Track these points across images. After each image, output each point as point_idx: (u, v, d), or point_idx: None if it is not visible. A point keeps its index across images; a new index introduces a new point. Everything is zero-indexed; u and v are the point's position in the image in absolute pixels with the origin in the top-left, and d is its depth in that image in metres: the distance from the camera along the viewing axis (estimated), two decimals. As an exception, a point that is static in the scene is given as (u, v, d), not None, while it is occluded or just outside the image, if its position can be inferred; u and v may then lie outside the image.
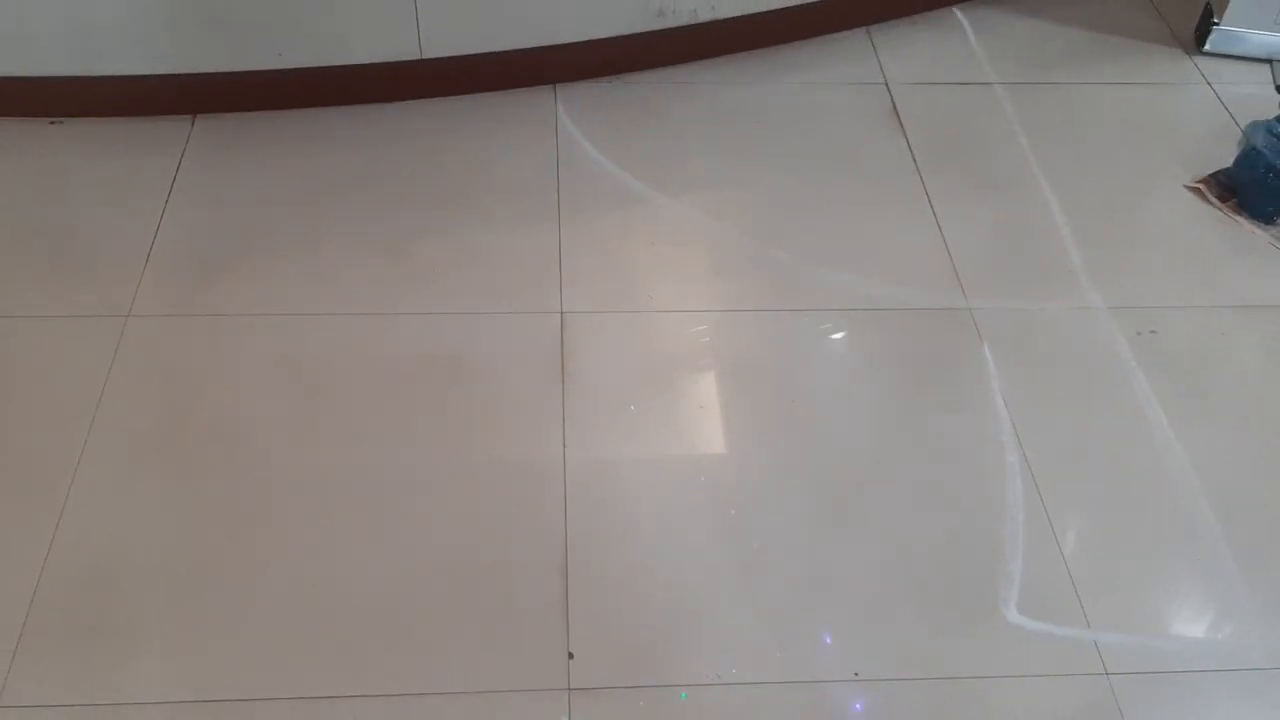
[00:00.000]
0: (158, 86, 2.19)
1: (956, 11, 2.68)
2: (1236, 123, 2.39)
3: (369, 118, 2.27)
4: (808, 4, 2.48)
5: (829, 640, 1.51)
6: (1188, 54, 2.60)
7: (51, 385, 1.75)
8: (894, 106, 2.39)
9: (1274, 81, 2.52)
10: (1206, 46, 2.58)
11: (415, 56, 2.25)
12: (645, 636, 1.51)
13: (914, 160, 2.25)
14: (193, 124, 2.23)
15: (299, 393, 1.77)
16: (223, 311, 1.88)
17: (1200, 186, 2.23)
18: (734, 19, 2.43)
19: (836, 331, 1.91)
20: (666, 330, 1.90)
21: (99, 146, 2.17)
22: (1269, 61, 2.57)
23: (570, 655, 1.48)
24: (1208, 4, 2.59)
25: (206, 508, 1.62)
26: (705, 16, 2.40)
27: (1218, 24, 2.56)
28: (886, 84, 2.44)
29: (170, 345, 1.82)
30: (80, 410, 1.72)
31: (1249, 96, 2.47)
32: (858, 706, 1.45)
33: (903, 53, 2.54)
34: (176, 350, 1.82)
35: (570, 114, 2.31)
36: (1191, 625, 1.56)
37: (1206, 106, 2.47)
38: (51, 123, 2.20)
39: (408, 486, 1.66)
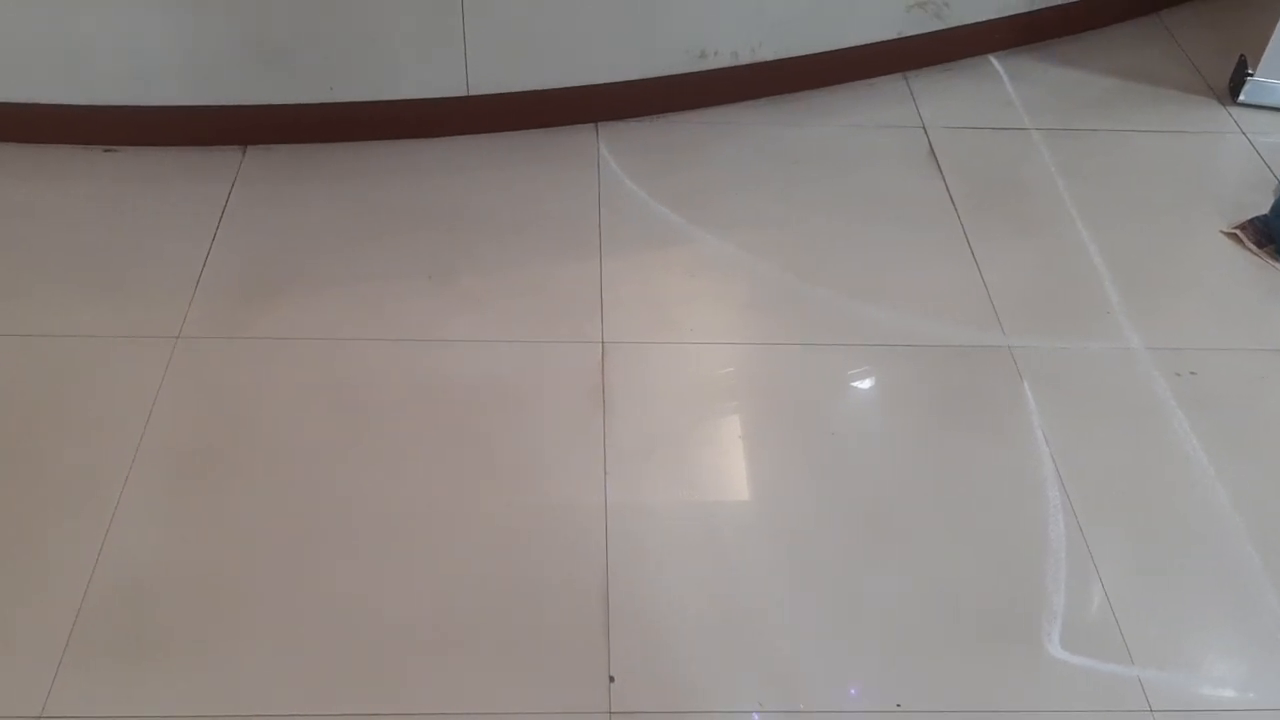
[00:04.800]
0: (211, 117, 2.24)
1: (992, 59, 2.71)
2: (1272, 171, 2.41)
3: (416, 152, 2.31)
4: (847, 49, 2.52)
5: (871, 671, 1.51)
6: (1222, 104, 2.63)
7: (101, 404, 1.78)
8: (931, 149, 2.41)
9: (1310, 132, 2.53)
10: (1241, 97, 2.61)
11: (462, 93, 2.30)
12: (687, 663, 1.51)
13: (952, 201, 2.27)
14: (244, 154, 2.27)
15: (342, 417, 1.79)
16: (270, 335, 1.90)
17: (1237, 232, 2.24)
18: (774, 61, 2.47)
19: (876, 367, 1.93)
20: (706, 362, 1.92)
21: (152, 175, 2.21)
22: (1304, 112, 2.59)
23: (611, 679, 1.48)
24: (1242, 56, 2.61)
25: (250, 528, 1.63)
26: (746, 59, 2.45)
27: (1252, 75, 2.58)
28: (924, 128, 2.48)
29: (218, 368, 1.85)
30: (129, 429, 1.74)
31: (1285, 146, 2.50)
32: (900, 737, 1.44)
33: (940, 98, 2.57)
34: (224, 373, 1.84)
35: (612, 151, 2.35)
36: (1236, 664, 1.54)
37: (1241, 155, 2.48)
38: (106, 150, 2.25)
39: (449, 513, 1.67)
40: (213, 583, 1.56)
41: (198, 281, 1.99)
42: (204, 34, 2.12)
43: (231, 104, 2.23)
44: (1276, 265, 2.17)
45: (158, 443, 1.73)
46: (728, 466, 1.76)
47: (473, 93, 2.31)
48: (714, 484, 1.74)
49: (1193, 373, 1.95)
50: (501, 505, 1.68)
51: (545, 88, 2.35)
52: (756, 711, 1.46)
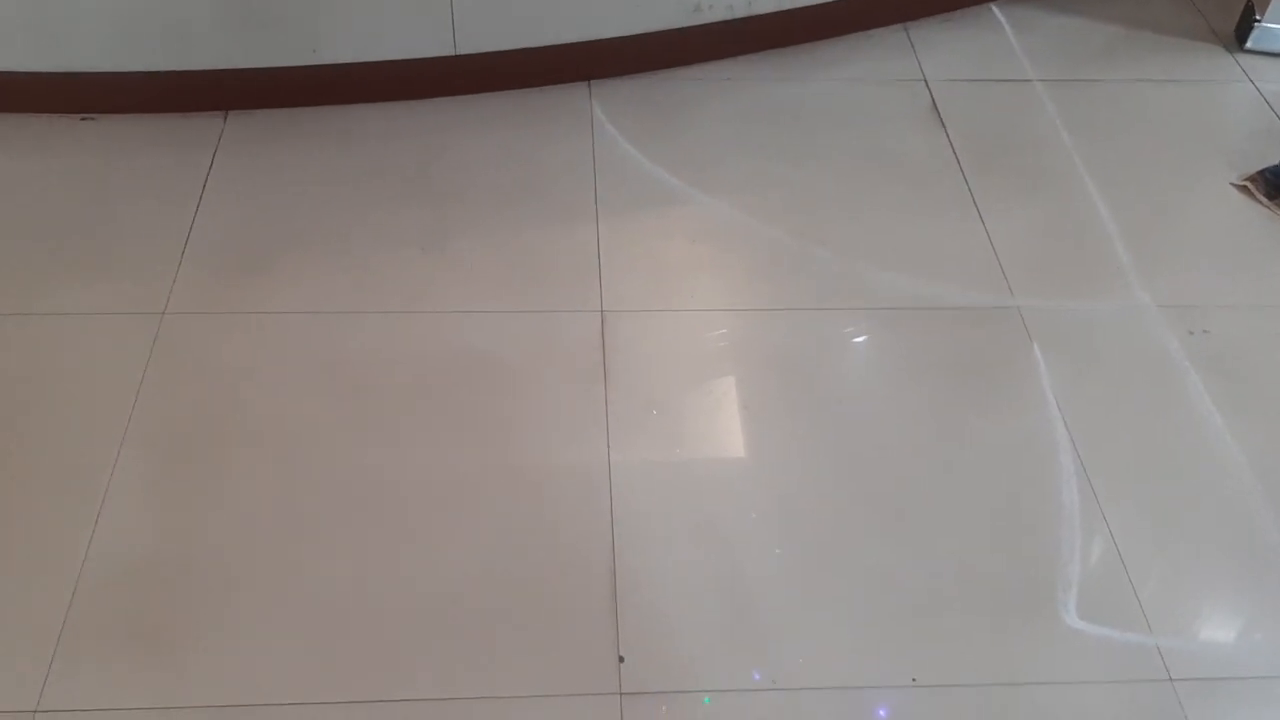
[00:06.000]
0: (190, 82, 2.17)
1: (994, 8, 2.64)
2: (1282, 120, 2.36)
3: (403, 114, 2.24)
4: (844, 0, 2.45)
5: (885, 645, 1.48)
6: (1228, 51, 2.57)
7: (87, 383, 1.73)
8: (934, 103, 2.35)
9: (1318, 79, 2.48)
10: (1248, 44, 2.55)
11: (450, 53, 2.22)
12: (697, 640, 1.47)
13: (956, 157, 2.22)
14: (225, 120, 2.20)
15: (338, 391, 1.74)
16: (259, 309, 1.85)
17: (1248, 184, 2.19)
18: (770, 14, 2.40)
19: (883, 331, 1.88)
20: (709, 329, 1.87)
21: (131, 143, 2.14)
22: (1312, 59, 2.53)
23: (621, 659, 1.45)
24: (1249, 1, 2.55)
25: (245, 508, 1.59)
26: (741, 12, 2.37)
27: (1260, 21, 2.52)
28: (926, 81, 2.41)
29: (206, 342, 1.80)
30: (116, 408, 1.69)
31: (1293, 94, 2.44)
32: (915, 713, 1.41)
33: (941, 49, 2.50)
34: (212, 347, 1.79)
35: (605, 110, 2.28)
36: (1255, 630, 1.52)
37: (1250, 104, 2.43)
38: (83, 119, 2.18)
39: (451, 487, 1.62)
40: (209, 568, 1.52)
41: (182, 254, 1.93)
42: (181, -4, 2.04)
43: (212, 68, 2.16)
44: (1288, 218, 2.13)
45: (146, 424, 1.68)
46: (733, 437, 1.72)
47: (460, 52, 2.23)
48: (719, 456, 1.70)
49: (1205, 331, 1.91)
50: (504, 481, 1.63)
51: (535, 45, 2.28)
52: (770, 688, 1.43)
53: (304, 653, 1.44)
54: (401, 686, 1.41)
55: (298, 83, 2.20)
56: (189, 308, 1.84)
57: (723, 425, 1.74)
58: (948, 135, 2.27)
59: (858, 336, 1.87)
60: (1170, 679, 1.45)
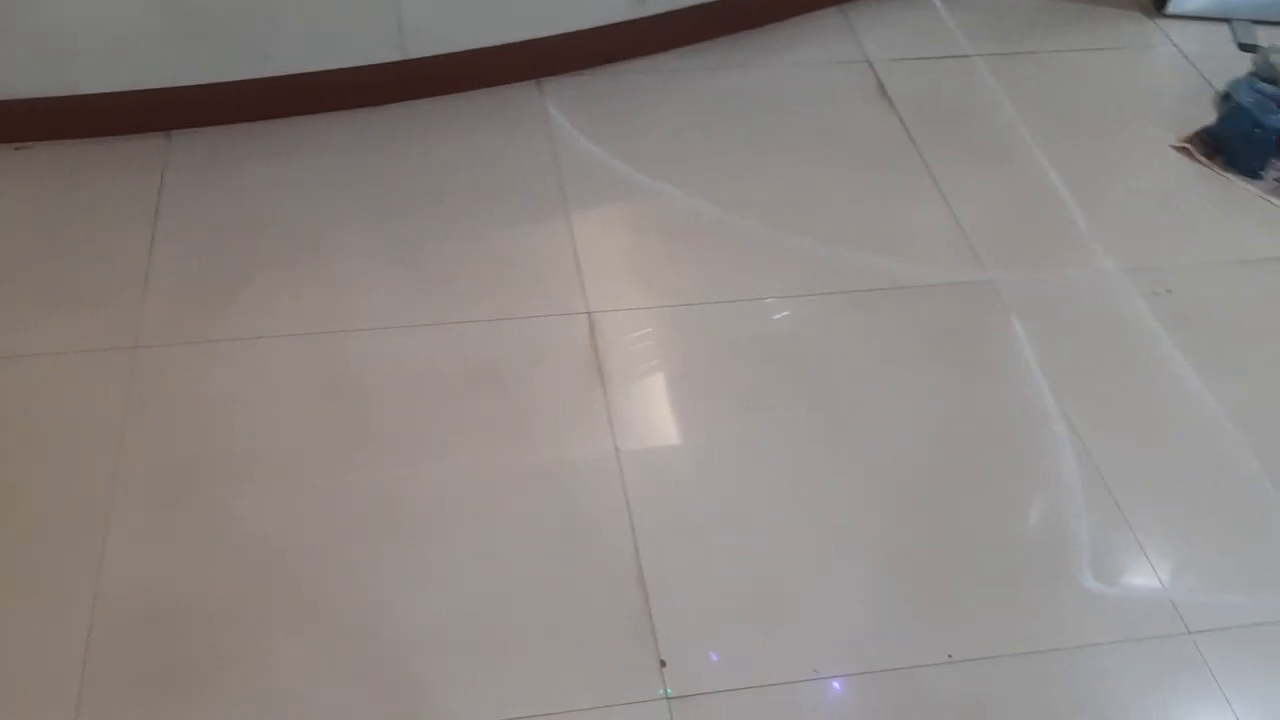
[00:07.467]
0: (128, 103, 2.07)
1: (923, -15, 2.69)
2: (1208, 81, 2.45)
3: (356, 123, 2.18)
4: (783, -16, 2.47)
5: (917, 625, 1.50)
6: (1149, 16, 2.66)
7: (66, 427, 1.64)
8: (880, 83, 2.38)
9: (1235, 40, 2.58)
10: (1167, 9, 2.64)
11: (399, 58, 2.17)
12: (734, 637, 1.48)
13: (910, 136, 2.25)
14: (169, 140, 2.11)
15: (331, 415, 1.69)
16: (236, 336, 1.78)
17: (1187, 146, 2.27)
18: (711, 3, 2.40)
19: (868, 313, 1.90)
20: (698, 323, 1.87)
21: (72, 171, 2.04)
22: (1227, 20, 2.63)
23: (663, 663, 1.44)
24: (1164, -33, 2.64)
25: (251, 540, 1.53)
26: (683, 2, 2.37)
27: (1176, -15, 2.61)
28: (869, 61, 2.44)
29: (186, 374, 1.73)
30: (101, 450, 1.61)
31: (1214, 55, 2.53)
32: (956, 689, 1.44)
33: (879, 29, 2.53)
34: (193, 379, 1.72)
35: (559, 108, 2.26)
36: (1259, 575, 1.59)
37: (1176, 67, 2.52)
38: (16, 148, 2.06)
39: (463, 505, 1.59)
40: (223, 603, 1.47)
41: (145, 283, 1.85)
42: (117, 12, 1.94)
43: (151, 87, 2.06)
44: (1228, 176, 2.22)
45: (135, 463, 1.61)
46: (739, 430, 1.72)
47: (409, 56, 2.18)
48: (728, 450, 1.70)
49: (1169, 290, 1.98)
50: (518, 493, 1.61)
51: (483, 46, 2.24)
52: (813, 677, 1.44)
53: (333, 684, 1.40)
54: (436, 713, 1.38)
55: (242, 97, 2.12)
56: (162, 340, 1.76)
57: (726, 417, 1.74)
58: (898, 114, 2.31)
59: (843, 319, 1.89)
60: (1189, 632, 1.51)
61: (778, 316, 1.88)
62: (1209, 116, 2.34)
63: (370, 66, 2.16)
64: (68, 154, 2.07)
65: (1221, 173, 2.22)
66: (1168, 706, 1.44)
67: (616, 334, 1.83)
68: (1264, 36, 2.57)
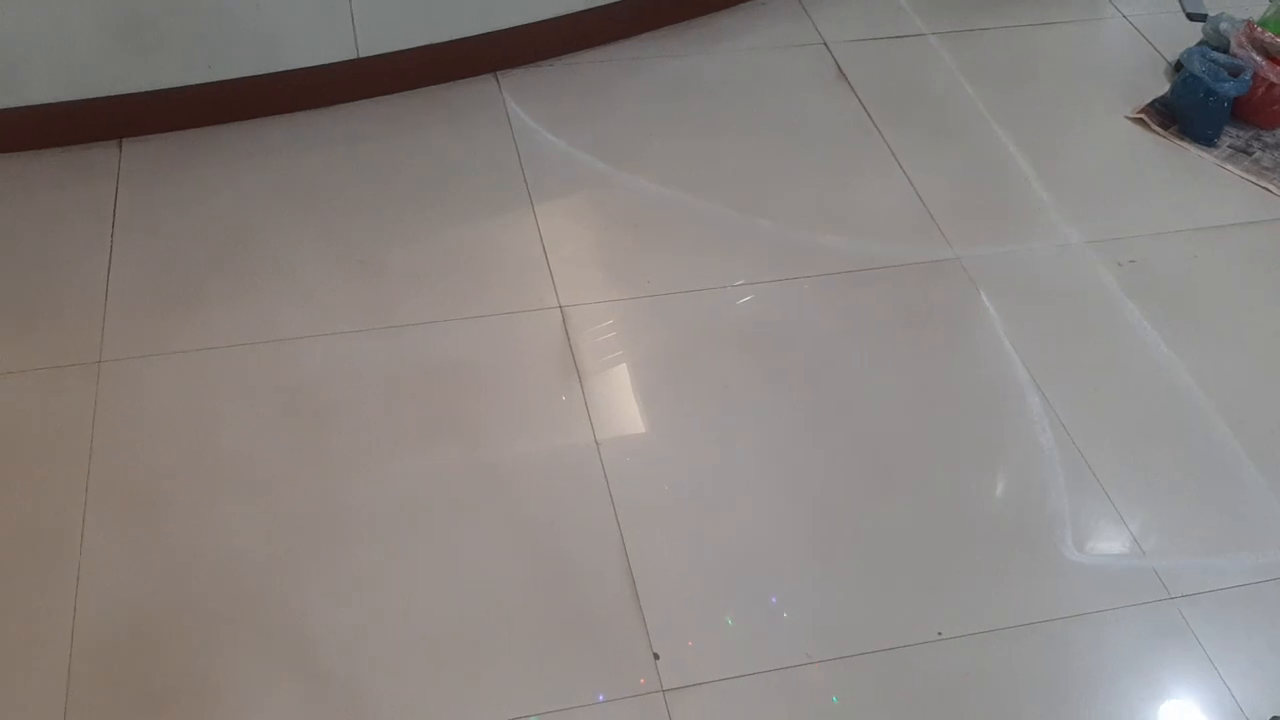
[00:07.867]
0: (78, 112, 2.02)
1: (874, -35, 2.69)
2: (1159, 51, 2.48)
3: (310, 124, 2.15)
4: (737, -31, 2.46)
5: (904, 604, 1.51)
6: (1096, -12, 2.69)
7: (34, 446, 1.60)
8: (837, 65, 2.38)
9: (1184, 9, 2.61)
10: (1113, -21, 2.67)
11: (352, 56, 2.14)
12: (724, 625, 1.47)
13: (870, 118, 2.26)
14: (120, 148, 2.06)
15: (303, 422, 1.67)
16: (202, 345, 1.75)
17: (1142, 116, 2.30)
18: (666, -10, 2.40)
19: (838, 296, 1.90)
20: (671, 312, 1.86)
21: (22, 182, 1.99)
22: (1174, -10, 2.66)
23: (656, 656, 1.44)
24: (1109, -61, 2.67)
25: (229, 553, 1.51)
26: (638, -10, 2.36)
27: (1121, -43, 2.64)
28: (826, 44, 2.44)
29: (153, 387, 1.69)
30: (72, 468, 1.58)
31: (1162, 25, 2.56)
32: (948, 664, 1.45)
33: (833, 12, 2.53)
34: (161, 391, 1.69)
35: (518, 101, 2.24)
36: (1234, 538, 1.61)
37: (1126, 38, 2.54)
38: (-37, 162, 2.01)
39: (444, 507, 1.58)
40: (202, 619, 1.44)
41: (106, 295, 1.81)
42: (61, 19, 1.89)
43: (100, 95, 2.01)
44: (1183, 145, 2.24)
45: (107, 479, 1.57)
46: (718, 416, 1.72)
47: (363, 54, 2.15)
48: (708, 437, 1.69)
49: (1132, 260, 2.00)
50: (499, 493, 1.59)
51: (437, 41, 2.21)
52: (807, 662, 1.44)
53: (326, 698, 1.38)
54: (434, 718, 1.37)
55: (194, 102, 2.08)
56: (127, 353, 1.73)
57: (704, 404, 1.73)
58: (857, 95, 2.31)
59: (814, 302, 1.89)
60: (1170, 597, 1.53)
61: (749, 301, 1.88)
62: (1162, 86, 2.37)
63: (323, 66, 2.13)
64: (16, 166, 2.02)
65: (1177, 142, 2.25)
66: (1155, 670, 1.46)
67: (590, 327, 1.82)
68: (1211, 5, 2.60)
